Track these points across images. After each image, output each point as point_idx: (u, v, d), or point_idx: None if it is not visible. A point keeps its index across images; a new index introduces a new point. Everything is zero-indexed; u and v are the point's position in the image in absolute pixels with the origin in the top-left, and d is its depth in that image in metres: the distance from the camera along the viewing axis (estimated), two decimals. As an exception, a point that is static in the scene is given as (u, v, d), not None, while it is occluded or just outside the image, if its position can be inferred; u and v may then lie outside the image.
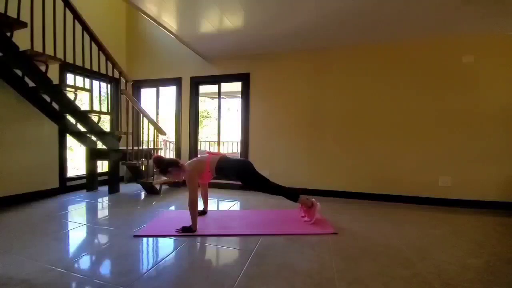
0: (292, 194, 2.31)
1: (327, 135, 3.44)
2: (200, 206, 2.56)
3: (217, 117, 4.37)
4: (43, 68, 2.58)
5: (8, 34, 2.28)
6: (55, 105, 3.02)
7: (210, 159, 2.27)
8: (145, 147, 3.63)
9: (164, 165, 2.19)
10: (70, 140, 3.57)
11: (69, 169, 3.53)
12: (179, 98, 4.14)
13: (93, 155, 3.50)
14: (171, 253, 1.72)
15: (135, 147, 3.46)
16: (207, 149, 7.96)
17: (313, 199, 2.35)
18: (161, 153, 5.32)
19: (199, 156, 2.47)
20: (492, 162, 2.90)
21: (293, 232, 2.10)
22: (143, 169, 3.48)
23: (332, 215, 2.57)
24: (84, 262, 1.61)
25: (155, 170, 2.28)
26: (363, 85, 3.30)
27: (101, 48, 3.10)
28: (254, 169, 2.33)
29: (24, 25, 2.32)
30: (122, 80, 3.47)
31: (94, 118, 3.15)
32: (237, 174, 2.28)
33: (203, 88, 4.29)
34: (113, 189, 3.42)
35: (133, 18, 4.33)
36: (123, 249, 1.77)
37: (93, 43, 3.02)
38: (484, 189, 2.92)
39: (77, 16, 2.81)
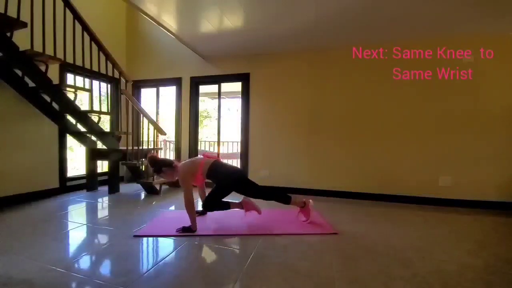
0: (283, 197, 2.31)
1: (327, 135, 3.44)
2: (200, 206, 2.56)
3: (217, 117, 4.37)
4: (43, 68, 2.57)
5: (8, 34, 2.28)
6: (55, 105, 3.01)
7: (204, 162, 2.25)
8: (145, 147, 3.63)
9: (158, 165, 2.20)
10: (70, 140, 3.57)
11: (69, 169, 3.53)
12: (179, 98, 4.14)
13: (93, 155, 3.50)
14: (171, 253, 1.72)
15: (135, 147, 3.47)
16: (207, 149, 7.95)
17: (304, 199, 2.37)
18: (161, 153, 5.33)
19: (197, 157, 2.46)
20: (492, 162, 2.90)
21: (293, 232, 2.10)
22: (143, 169, 3.48)
23: (332, 215, 2.57)
24: (84, 262, 1.61)
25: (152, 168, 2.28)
26: (363, 85, 3.30)
27: (101, 48, 3.10)
28: (244, 179, 2.32)
29: (24, 25, 2.31)
30: (122, 80, 3.47)
31: (94, 118, 3.15)
32: (222, 182, 2.24)
33: (203, 88, 4.29)
34: (113, 189, 3.42)
35: (133, 18, 4.33)
36: (123, 249, 1.77)
37: (93, 43, 3.02)
38: (484, 189, 2.92)
39: (77, 16, 2.81)
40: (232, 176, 2.28)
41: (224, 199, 2.30)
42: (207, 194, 2.29)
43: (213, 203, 2.26)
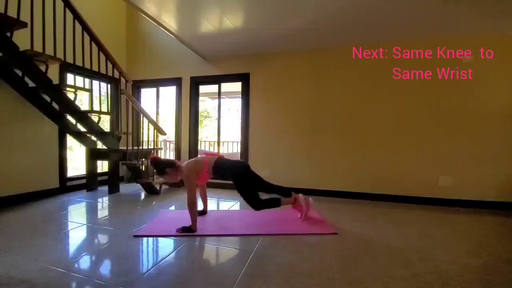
0: (285, 191, 2.42)
1: (327, 135, 3.44)
2: (200, 206, 2.56)
3: (217, 117, 4.37)
4: (43, 68, 2.57)
5: (8, 34, 2.28)
6: (55, 105, 3.01)
7: (208, 160, 2.27)
8: (145, 147, 3.63)
9: (161, 166, 2.19)
10: (70, 140, 3.57)
11: (69, 169, 3.53)
12: (179, 98, 4.14)
13: (93, 155, 3.50)
14: (171, 253, 1.72)
15: (135, 147, 3.47)
16: (207, 149, 7.96)
17: (297, 195, 2.41)
18: (161, 153, 5.33)
19: (199, 156, 2.47)
20: (492, 162, 2.90)
21: (293, 232, 2.10)
22: (143, 169, 3.48)
23: (332, 215, 2.57)
24: (84, 262, 1.61)
25: (154, 171, 2.28)
26: (363, 85, 3.30)
27: (101, 48, 3.10)
28: (250, 171, 2.35)
29: (24, 25, 2.32)
30: (122, 80, 3.47)
31: (94, 118, 3.15)
32: (232, 175, 2.26)
33: (203, 88, 4.29)
34: (113, 189, 3.42)
35: (133, 18, 4.33)
36: (123, 249, 1.77)
37: (93, 43, 3.02)
38: (484, 189, 2.92)
39: (77, 16, 2.81)
40: (241, 168, 2.30)
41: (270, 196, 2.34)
42: (243, 198, 2.25)
43: (257, 199, 2.24)
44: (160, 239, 1.95)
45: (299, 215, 2.39)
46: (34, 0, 2.41)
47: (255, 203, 2.24)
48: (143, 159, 3.50)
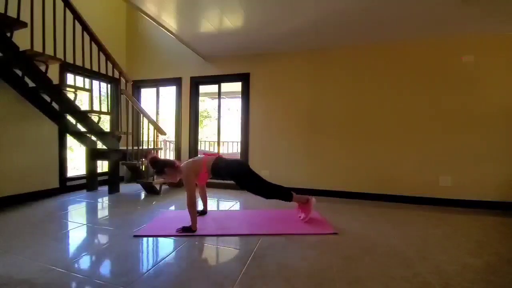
0: (286, 194, 2.30)
1: (328, 135, 3.44)
2: (200, 206, 2.57)
3: (217, 117, 4.37)
4: (43, 68, 2.58)
5: (8, 34, 2.28)
6: (55, 105, 3.01)
7: (206, 160, 2.26)
8: (145, 147, 3.63)
9: (159, 166, 2.19)
10: (70, 140, 3.57)
11: (69, 169, 3.53)
12: (179, 98, 4.14)
13: (93, 155, 3.50)
14: (171, 253, 1.72)
15: (135, 147, 3.47)
16: (207, 149, 7.96)
17: (309, 196, 2.38)
18: (161, 153, 5.33)
19: (198, 156, 2.46)
20: (492, 162, 2.89)
21: (293, 232, 2.10)
22: (143, 169, 3.48)
23: (332, 215, 2.57)
24: (84, 262, 1.61)
25: (154, 170, 2.27)
26: (363, 85, 3.30)
27: (101, 48, 3.10)
28: (250, 169, 2.33)
29: (24, 25, 2.32)
30: (122, 80, 3.47)
31: (94, 118, 3.15)
32: (231, 174, 2.25)
33: (203, 88, 4.29)
34: (113, 189, 3.42)
35: (133, 18, 4.33)
36: (123, 249, 1.77)
37: (93, 43, 3.02)
38: (484, 189, 2.92)
39: (77, 16, 2.81)
40: (240, 168, 2.28)
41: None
42: (253, 192, 2.25)
43: (266, 188, 2.23)
44: (160, 239, 1.95)
45: (302, 216, 2.36)
46: (34, 0, 2.41)
47: (265, 192, 2.22)
48: (143, 159, 3.50)
